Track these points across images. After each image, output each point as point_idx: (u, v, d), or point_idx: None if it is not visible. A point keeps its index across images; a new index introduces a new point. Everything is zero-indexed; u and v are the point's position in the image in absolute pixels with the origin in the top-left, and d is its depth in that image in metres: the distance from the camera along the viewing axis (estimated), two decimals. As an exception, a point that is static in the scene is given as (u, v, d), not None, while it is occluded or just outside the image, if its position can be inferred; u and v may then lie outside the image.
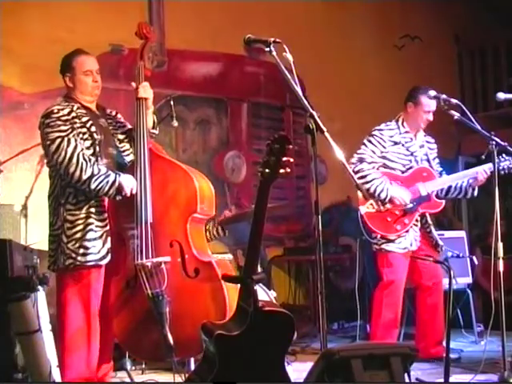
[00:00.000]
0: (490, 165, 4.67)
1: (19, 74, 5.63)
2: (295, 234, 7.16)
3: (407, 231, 4.82)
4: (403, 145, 4.93)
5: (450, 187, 4.99)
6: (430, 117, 4.93)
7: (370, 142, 4.89)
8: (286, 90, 6.70)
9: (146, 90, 4.00)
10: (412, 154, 4.95)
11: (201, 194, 3.93)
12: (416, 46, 8.07)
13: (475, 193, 4.97)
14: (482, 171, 4.82)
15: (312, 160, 3.10)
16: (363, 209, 4.81)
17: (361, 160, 4.82)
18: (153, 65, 4.11)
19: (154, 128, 4.15)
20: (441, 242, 4.97)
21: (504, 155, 4.74)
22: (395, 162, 4.91)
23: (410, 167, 4.93)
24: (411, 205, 4.84)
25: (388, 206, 4.82)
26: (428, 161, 5.02)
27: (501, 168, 4.72)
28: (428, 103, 4.87)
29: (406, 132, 4.95)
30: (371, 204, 4.80)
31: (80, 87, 3.95)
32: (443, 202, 4.99)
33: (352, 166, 4.74)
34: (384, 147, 4.89)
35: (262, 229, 3.07)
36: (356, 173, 4.73)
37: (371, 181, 4.78)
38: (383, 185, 4.79)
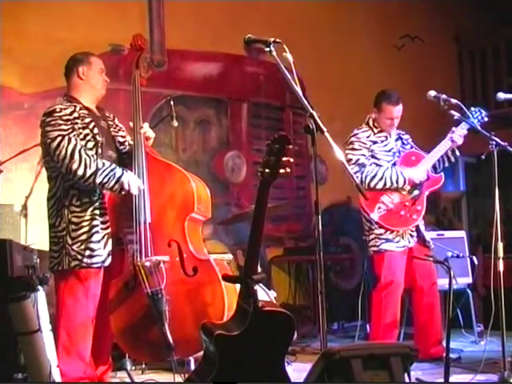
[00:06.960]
0: (463, 125, 4.74)
1: (19, 74, 5.62)
2: (295, 234, 7.16)
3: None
4: (380, 143, 4.92)
5: (434, 162, 4.93)
6: (394, 123, 4.90)
7: (353, 148, 4.85)
8: (285, 90, 6.70)
9: (150, 131, 4.06)
10: (390, 151, 4.94)
11: (198, 195, 3.98)
12: (416, 46, 8.07)
13: (457, 152, 4.93)
14: (457, 134, 4.80)
15: (312, 160, 3.09)
16: (375, 216, 4.75)
17: (361, 165, 4.80)
18: (148, 74, 4.15)
19: None
20: (428, 238, 4.95)
21: (472, 108, 4.76)
22: (381, 159, 4.88)
23: (394, 163, 4.90)
24: (417, 191, 4.83)
25: (397, 199, 4.78)
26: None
27: (477, 121, 4.70)
28: (390, 110, 4.84)
29: (380, 131, 4.93)
30: (379, 207, 4.77)
31: (93, 81, 3.98)
32: (441, 174, 4.96)
33: (358, 174, 4.70)
34: (367, 148, 4.86)
35: (261, 229, 3.07)
36: (365, 178, 4.73)
37: (383, 176, 4.76)
38: (395, 171, 4.78)
